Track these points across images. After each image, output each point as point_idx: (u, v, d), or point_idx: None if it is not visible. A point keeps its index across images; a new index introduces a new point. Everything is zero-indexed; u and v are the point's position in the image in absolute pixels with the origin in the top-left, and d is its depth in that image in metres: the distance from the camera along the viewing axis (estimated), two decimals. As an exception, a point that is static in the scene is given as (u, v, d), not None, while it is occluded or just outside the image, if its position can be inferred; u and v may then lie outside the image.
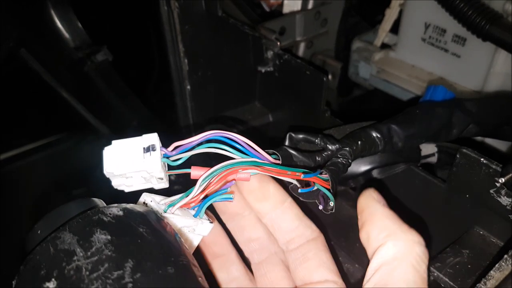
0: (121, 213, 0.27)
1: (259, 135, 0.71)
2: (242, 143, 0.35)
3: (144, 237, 0.26)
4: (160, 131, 0.35)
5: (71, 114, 0.83)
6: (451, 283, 0.41)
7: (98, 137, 0.84)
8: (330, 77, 0.85)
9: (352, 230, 0.57)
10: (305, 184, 0.39)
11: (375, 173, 0.51)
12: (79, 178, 0.89)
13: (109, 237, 0.25)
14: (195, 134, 0.34)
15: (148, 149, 0.33)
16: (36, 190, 0.88)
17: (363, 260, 0.53)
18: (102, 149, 0.33)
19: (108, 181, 0.34)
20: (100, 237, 0.25)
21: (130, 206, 0.29)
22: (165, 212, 0.33)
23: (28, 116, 0.90)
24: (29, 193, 0.88)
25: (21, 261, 0.27)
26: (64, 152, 0.90)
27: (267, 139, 0.71)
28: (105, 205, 0.31)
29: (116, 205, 0.28)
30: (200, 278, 0.26)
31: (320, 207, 0.37)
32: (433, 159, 0.52)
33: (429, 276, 0.36)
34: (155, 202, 0.33)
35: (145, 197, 0.33)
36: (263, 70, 0.65)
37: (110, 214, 0.27)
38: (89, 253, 0.24)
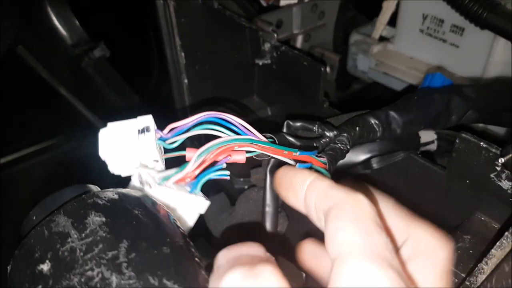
0: (116, 196, 0.27)
1: (257, 128, 0.71)
2: (237, 124, 0.34)
3: (139, 219, 0.25)
4: (159, 126, 0.35)
5: (70, 112, 0.83)
6: (453, 268, 0.41)
7: (97, 137, 0.83)
8: (328, 69, 0.85)
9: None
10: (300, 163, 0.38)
11: (374, 162, 0.51)
12: (80, 178, 0.89)
13: (103, 219, 0.25)
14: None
15: (143, 130, 0.32)
16: (37, 192, 0.88)
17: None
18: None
19: (110, 179, 0.34)
20: (95, 219, 0.24)
21: (125, 190, 0.29)
22: (159, 184, 0.32)
23: (27, 117, 0.90)
24: (30, 196, 0.88)
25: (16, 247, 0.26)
26: (64, 153, 0.90)
27: (265, 132, 0.71)
28: (100, 190, 0.30)
29: (111, 189, 0.28)
30: (196, 259, 0.25)
31: None
32: (433, 147, 0.52)
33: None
34: (150, 176, 0.32)
35: (139, 171, 0.33)
36: (260, 63, 0.65)
37: (105, 197, 0.26)
38: (83, 235, 0.24)
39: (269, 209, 0.44)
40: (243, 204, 0.55)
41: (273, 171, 0.47)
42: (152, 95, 0.90)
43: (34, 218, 0.28)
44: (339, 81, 0.89)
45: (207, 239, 0.60)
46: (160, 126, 0.35)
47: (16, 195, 0.89)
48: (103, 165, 0.33)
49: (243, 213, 0.55)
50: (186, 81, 0.65)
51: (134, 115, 0.87)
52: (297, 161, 0.36)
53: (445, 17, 0.72)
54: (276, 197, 0.46)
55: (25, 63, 0.72)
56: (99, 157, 0.33)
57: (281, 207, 0.52)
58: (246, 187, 0.61)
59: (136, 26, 0.88)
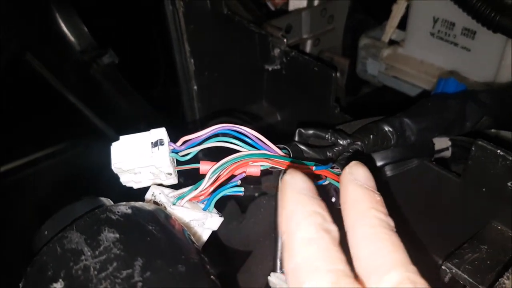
0: (129, 211, 0.26)
1: (267, 134, 0.70)
2: (252, 137, 0.34)
3: (153, 235, 0.25)
4: (168, 132, 0.35)
5: (78, 118, 0.83)
6: (470, 280, 0.40)
7: (106, 144, 0.83)
8: (338, 74, 0.84)
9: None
10: (316, 177, 0.38)
11: (387, 169, 0.50)
12: (87, 185, 0.89)
13: (117, 235, 0.24)
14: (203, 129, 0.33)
15: (156, 143, 0.32)
16: (44, 198, 0.88)
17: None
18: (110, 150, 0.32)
19: (118, 185, 0.33)
20: (108, 235, 0.24)
21: (138, 204, 0.28)
22: (174, 204, 0.32)
23: (34, 123, 0.90)
24: (37, 201, 0.88)
25: (28, 263, 0.26)
26: (71, 159, 0.90)
27: (276, 139, 0.70)
28: (112, 203, 0.30)
29: (124, 203, 0.28)
30: (212, 277, 0.25)
31: (333, 199, 0.37)
32: (447, 154, 0.51)
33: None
34: (164, 195, 0.32)
35: (153, 190, 0.33)
36: (270, 69, 0.64)
37: (118, 212, 0.26)
38: (97, 252, 0.23)
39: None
40: (254, 212, 0.54)
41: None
42: (159, 101, 0.90)
43: (45, 233, 0.28)
44: (348, 85, 0.88)
45: (216, 247, 0.59)
46: (169, 132, 0.34)
47: (22, 201, 0.89)
48: (111, 172, 0.33)
49: (254, 221, 0.54)
50: (195, 87, 0.65)
51: (142, 121, 0.86)
52: (312, 174, 0.36)
53: (456, 20, 0.71)
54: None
55: (33, 70, 0.72)
56: (105, 164, 0.32)
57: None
58: (256, 194, 0.60)
59: (141, 32, 0.87)
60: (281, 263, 0.39)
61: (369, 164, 0.39)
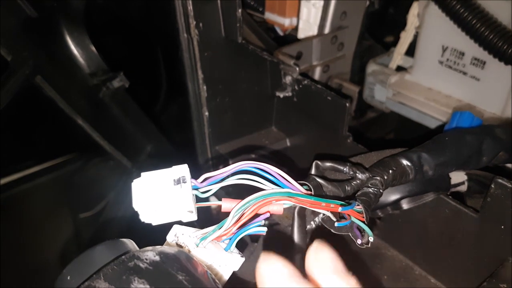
0: (157, 258, 0.26)
1: (277, 160, 0.70)
2: (275, 174, 0.33)
3: (184, 286, 0.24)
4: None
5: (82, 137, 0.82)
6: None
7: (105, 159, 0.83)
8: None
9: (379, 262, 0.55)
10: (339, 216, 0.37)
11: (404, 203, 0.49)
12: (86, 200, 0.87)
13: (148, 286, 0.23)
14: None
15: (179, 181, 0.31)
16: (42, 213, 0.87)
17: (392, 293, 0.51)
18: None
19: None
20: (139, 286, 0.23)
21: (165, 249, 0.27)
22: (197, 246, 0.31)
23: (38, 139, 0.89)
24: (35, 216, 0.86)
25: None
26: (71, 174, 0.89)
27: (285, 164, 0.70)
28: (136, 247, 0.29)
29: (150, 248, 0.27)
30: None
31: (358, 241, 0.36)
32: (463, 188, 0.51)
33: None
34: (186, 235, 0.31)
35: (176, 230, 0.32)
36: (281, 95, 0.64)
37: (146, 260, 0.25)
38: (128, 305, 0.22)
39: (298, 254, 0.43)
40: (266, 244, 0.53)
41: (301, 214, 0.45)
42: (162, 122, 0.89)
43: (68, 278, 0.27)
44: (355, 110, 0.88)
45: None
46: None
47: (21, 215, 0.87)
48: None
49: (266, 252, 0.53)
50: (206, 113, 0.65)
51: (149, 145, 0.84)
52: (334, 212, 0.35)
53: (466, 49, 0.71)
54: (305, 239, 0.45)
55: (43, 93, 0.71)
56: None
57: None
58: (266, 222, 0.59)
59: (146, 50, 0.87)
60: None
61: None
